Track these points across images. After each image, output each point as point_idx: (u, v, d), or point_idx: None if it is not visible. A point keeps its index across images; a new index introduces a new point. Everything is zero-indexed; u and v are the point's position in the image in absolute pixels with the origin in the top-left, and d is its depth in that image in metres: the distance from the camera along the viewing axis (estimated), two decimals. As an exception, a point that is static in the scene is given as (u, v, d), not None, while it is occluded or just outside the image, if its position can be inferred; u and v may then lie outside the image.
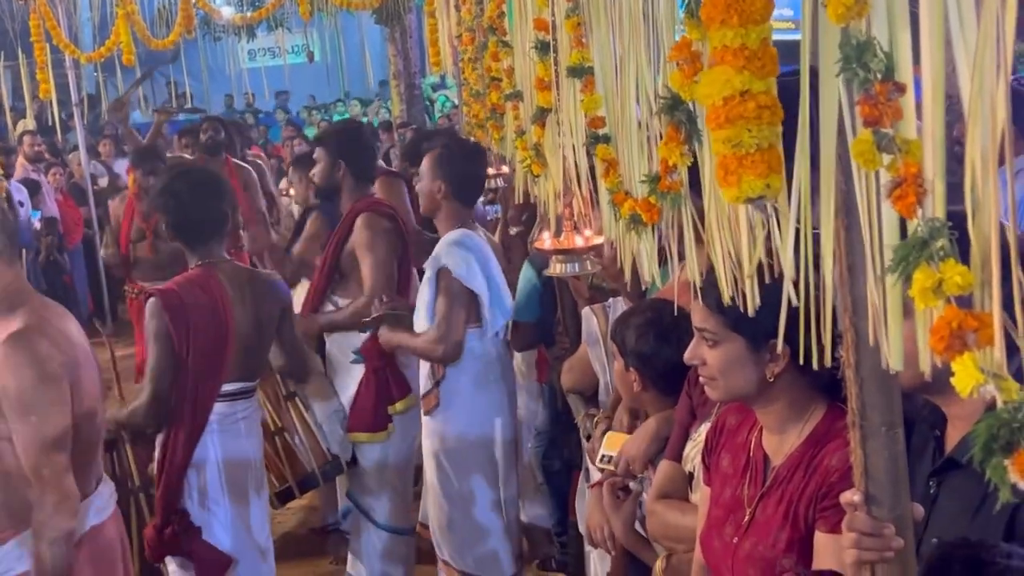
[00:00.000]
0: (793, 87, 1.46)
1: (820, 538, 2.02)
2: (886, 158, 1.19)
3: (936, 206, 1.14)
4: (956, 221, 1.16)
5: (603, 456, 3.15)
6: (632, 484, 2.99)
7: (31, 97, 11.61)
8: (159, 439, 3.89)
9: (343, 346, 4.81)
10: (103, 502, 3.17)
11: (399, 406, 4.75)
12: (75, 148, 12.11)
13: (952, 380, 1.09)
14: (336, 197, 5.00)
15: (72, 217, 10.87)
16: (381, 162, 6.62)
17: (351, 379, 4.79)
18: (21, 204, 9.24)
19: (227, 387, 3.89)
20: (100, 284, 10.99)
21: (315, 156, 5.05)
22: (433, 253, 4.33)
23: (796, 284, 1.54)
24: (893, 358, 1.27)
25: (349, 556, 5.01)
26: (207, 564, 3.88)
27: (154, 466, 3.98)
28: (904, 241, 1.16)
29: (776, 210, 1.55)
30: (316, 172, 4.99)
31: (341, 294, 4.83)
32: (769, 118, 1.43)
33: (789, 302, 1.58)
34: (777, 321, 2.05)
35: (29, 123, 12.97)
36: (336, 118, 18.45)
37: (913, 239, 1.14)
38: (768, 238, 1.66)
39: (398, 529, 4.93)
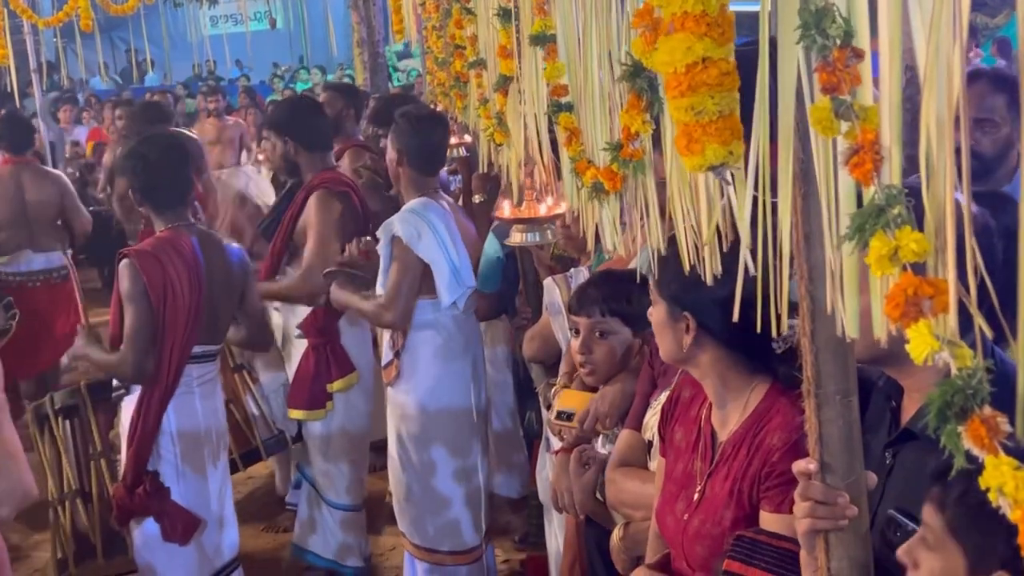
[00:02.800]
0: (747, 58, 1.45)
1: (765, 517, 2.03)
2: (843, 125, 1.19)
3: (893, 174, 1.14)
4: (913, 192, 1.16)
5: (559, 413, 3.15)
6: (600, 449, 3.00)
7: (-13, 63, 11.39)
8: (125, 402, 3.87)
9: (293, 321, 4.80)
10: None
11: (338, 384, 4.74)
12: (33, 115, 11.93)
13: (907, 347, 1.09)
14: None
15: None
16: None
17: (299, 352, 4.79)
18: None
19: (195, 349, 3.91)
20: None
21: (264, 138, 5.02)
22: (387, 221, 4.31)
23: (753, 253, 1.54)
24: (849, 325, 1.27)
25: (296, 526, 5.01)
26: (176, 524, 3.88)
27: (115, 431, 3.97)
28: (861, 208, 1.16)
29: (734, 178, 1.55)
30: (272, 156, 4.95)
31: (296, 267, 4.82)
32: (729, 84, 1.42)
33: (746, 271, 1.58)
34: (692, 296, 2.09)
35: (-15, 90, 12.77)
36: (300, 86, 18.30)
37: (869, 206, 1.14)
38: (728, 206, 1.66)
39: (344, 505, 4.94)
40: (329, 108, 5.79)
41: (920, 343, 1.07)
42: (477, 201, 5.58)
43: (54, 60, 17.83)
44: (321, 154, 4.88)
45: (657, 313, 2.22)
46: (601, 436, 3.04)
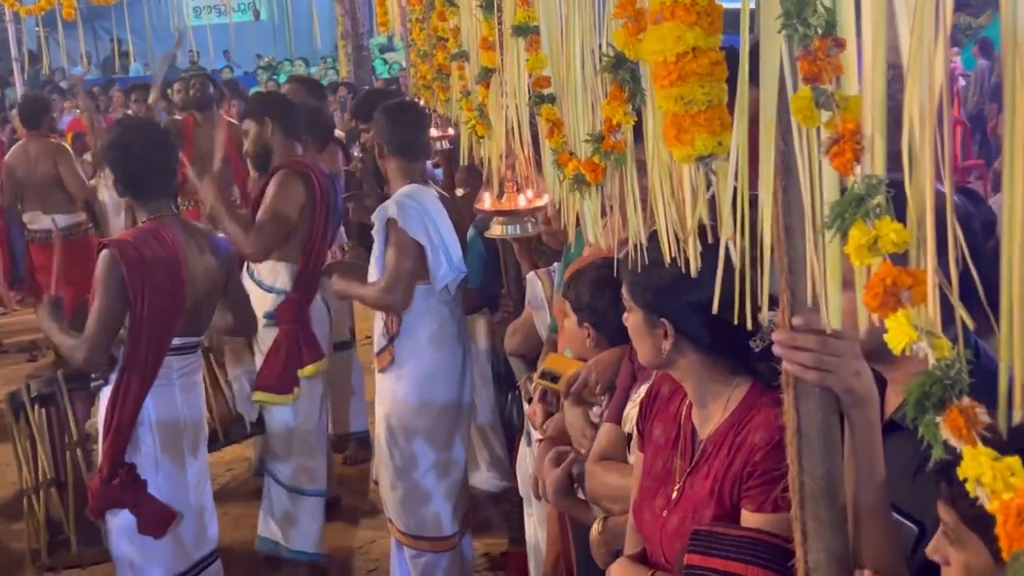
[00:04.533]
0: (732, 58, 1.45)
1: (746, 517, 2.02)
2: (824, 115, 1.19)
3: (876, 164, 1.13)
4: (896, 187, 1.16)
5: (544, 372, 3.14)
6: (594, 419, 2.98)
7: (-31, 52, 11.35)
8: (103, 392, 3.85)
9: (257, 306, 4.79)
10: None
11: (308, 369, 4.75)
12: (15, 105, 11.87)
13: (885, 337, 1.09)
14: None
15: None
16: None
17: (266, 340, 4.78)
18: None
19: (175, 341, 3.88)
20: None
21: (244, 128, 5.00)
22: (381, 205, 4.33)
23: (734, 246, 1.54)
24: (832, 316, 1.27)
25: (268, 523, 5.01)
26: (151, 517, 3.85)
27: (93, 421, 3.95)
28: (841, 198, 1.16)
29: (714, 172, 1.55)
30: (248, 142, 4.94)
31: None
32: (719, 75, 1.42)
33: (727, 264, 1.58)
34: (669, 302, 2.09)
35: (-33, 78, 12.71)
36: (283, 79, 18.23)
37: (850, 196, 1.14)
38: (712, 199, 1.66)
39: (302, 490, 4.92)
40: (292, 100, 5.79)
41: (899, 333, 1.07)
42: (460, 194, 5.57)
43: (36, 50, 17.72)
44: (294, 142, 4.89)
45: (633, 320, 2.20)
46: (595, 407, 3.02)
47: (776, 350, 1.52)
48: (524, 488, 4.12)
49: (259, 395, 4.77)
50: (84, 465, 4.11)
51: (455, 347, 4.44)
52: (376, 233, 4.30)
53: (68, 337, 3.81)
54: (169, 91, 8.41)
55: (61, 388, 4.18)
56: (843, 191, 1.22)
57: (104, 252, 3.77)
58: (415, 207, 4.23)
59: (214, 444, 4.65)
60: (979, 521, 1.40)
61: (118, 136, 3.98)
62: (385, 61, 18.98)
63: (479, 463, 5.45)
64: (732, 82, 1.41)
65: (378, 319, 4.51)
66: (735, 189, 1.48)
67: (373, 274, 4.38)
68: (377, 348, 4.50)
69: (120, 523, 3.89)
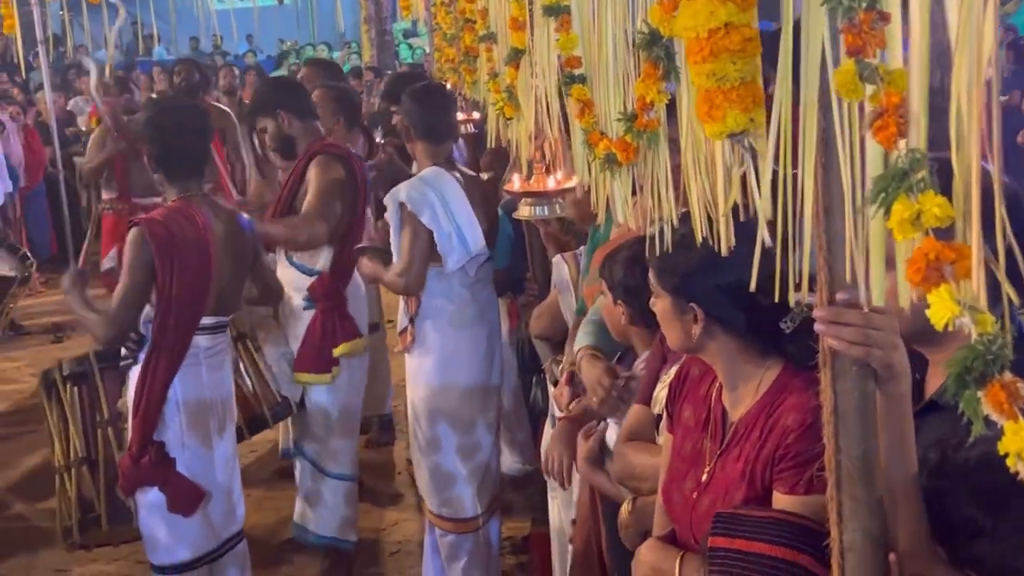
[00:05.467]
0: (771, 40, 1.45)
1: (778, 499, 2.02)
2: (868, 89, 1.18)
3: (920, 138, 1.12)
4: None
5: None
6: (609, 434, 2.99)
7: (-7, 34, 11.40)
8: (132, 371, 3.87)
9: (297, 290, 4.80)
10: None
11: (343, 348, 4.76)
12: (40, 86, 11.92)
13: (927, 312, 1.08)
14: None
15: (36, 157, 10.73)
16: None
17: (303, 324, 4.79)
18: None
19: (204, 320, 3.90)
20: (64, 227, 10.87)
21: (261, 127, 4.94)
22: (394, 188, 4.34)
23: (772, 225, 1.53)
24: (875, 293, 1.26)
25: (297, 505, 5.03)
26: (180, 496, 3.87)
27: (123, 400, 3.97)
28: (884, 172, 1.15)
29: (754, 149, 1.54)
30: (268, 139, 4.90)
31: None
32: (752, 51, 1.41)
33: (763, 247, 1.57)
34: (698, 286, 2.09)
35: (-8, 61, 12.76)
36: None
37: (893, 170, 1.13)
38: (744, 178, 1.65)
39: (347, 475, 4.95)
40: (308, 84, 5.78)
41: (941, 308, 1.06)
42: (485, 178, 5.56)
43: (60, 33, 17.78)
44: (312, 122, 4.87)
45: (661, 305, 2.20)
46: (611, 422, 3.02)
47: (818, 327, 1.51)
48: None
49: (300, 376, 4.79)
50: (115, 444, 4.12)
51: (477, 328, 4.43)
52: (389, 217, 4.31)
53: (90, 312, 3.82)
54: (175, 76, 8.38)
55: (93, 367, 4.19)
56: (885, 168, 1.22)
57: (134, 230, 3.78)
58: (426, 191, 4.23)
59: (263, 426, 4.67)
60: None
61: (154, 114, 4.01)
62: (410, 46, 18.96)
63: (502, 447, 5.46)
64: (770, 61, 1.40)
65: (401, 300, 4.53)
66: (774, 168, 1.47)
67: (395, 256, 4.40)
68: (399, 329, 4.52)
69: (150, 501, 3.91)
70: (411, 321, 4.40)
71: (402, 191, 4.24)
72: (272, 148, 4.89)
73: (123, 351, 3.99)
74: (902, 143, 1.15)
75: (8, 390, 7.70)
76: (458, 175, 4.39)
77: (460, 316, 4.38)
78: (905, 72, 1.15)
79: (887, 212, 1.13)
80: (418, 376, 4.45)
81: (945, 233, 1.12)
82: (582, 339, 3.22)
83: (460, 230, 4.26)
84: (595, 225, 3.35)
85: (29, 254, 7.05)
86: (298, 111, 4.82)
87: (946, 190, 1.15)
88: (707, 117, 1.45)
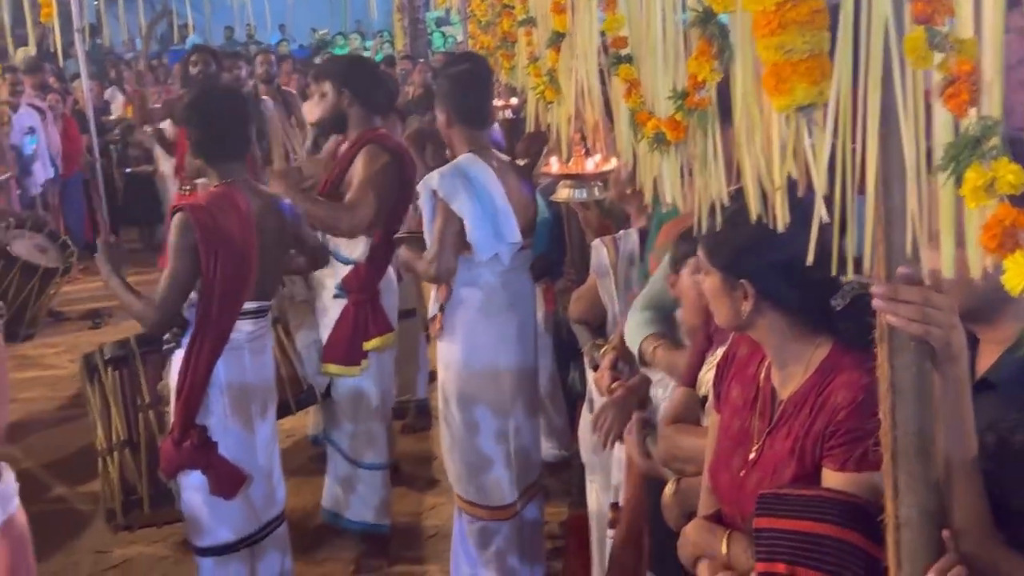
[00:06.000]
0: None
1: (828, 476, 2.02)
2: (937, 57, 1.17)
3: (993, 105, 1.11)
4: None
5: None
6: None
7: (32, 23, 11.46)
8: (175, 355, 3.90)
9: (329, 281, 4.82)
10: (13, 487, 2.83)
11: (375, 342, 4.77)
12: (77, 76, 12.00)
13: (1002, 279, 1.07)
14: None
15: (73, 146, 10.81)
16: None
17: (334, 313, 4.81)
18: (32, 131, 9.18)
19: (246, 305, 3.92)
20: (100, 214, 10.94)
21: (321, 91, 4.92)
22: (427, 175, 4.30)
23: (829, 200, 1.52)
24: (945, 264, 1.26)
25: (326, 493, 5.06)
26: (222, 479, 3.90)
27: (164, 384, 4.00)
28: (955, 140, 1.14)
29: (815, 122, 1.53)
30: (322, 106, 4.90)
31: None
32: (820, 23, 1.41)
33: (811, 220, 1.56)
34: (748, 263, 2.08)
35: (31, 49, 12.83)
36: (337, 52, 18.28)
37: (965, 138, 1.12)
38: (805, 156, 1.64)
39: (381, 464, 4.96)
40: None
41: (1016, 274, 1.06)
42: (521, 164, 5.55)
43: (95, 23, 17.88)
44: (372, 115, 4.84)
45: (711, 282, 2.20)
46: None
47: (876, 303, 1.51)
48: (587, 455, 4.12)
49: (328, 367, 4.80)
50: (157, 427, 4.16)
51: (507, 316, 4.37)
52: (423, 202, 4.27)
53: (135, 297, 3.84)
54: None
55: (134, 351, 4.23)
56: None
57: (178, 215, 3.81)
58: (459, 179, 4.17)
59: (286, 412, 4.69)
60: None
61: (196, 99, 4.03)
62: (443, 34, 18.96)
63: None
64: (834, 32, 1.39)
65: (433, 287, 4.52)
66: (832, 142, 1.47)
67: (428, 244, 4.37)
68: (429, 315, 4.52)
69: (192, 484, 3.94)
70: (441, 308, 4.39)
71: (435, 178, 4.19)
72: (320, 115, 4.89)
73: (166, 335, 4.01)
74: (972, 111, 1.14)
75: (47, 375, 7.77)
76: (494, 162, 4.33)
77: (489, 304, 4.33)
78: (975, 40, 1.14)
79: (959, 180, 1.12)
80: (448, 363, 4.42)
81: (1016, 203, 1.12)
82: (643, 328, 3.19)
83: (494, 218, 4.21)
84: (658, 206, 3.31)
85: (70, 242, 7.10)
86: (364, 100, 4.78)
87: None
88: (775, 90, 1.44)
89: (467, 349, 4.35)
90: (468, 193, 4.15)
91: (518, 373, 4.43)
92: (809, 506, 1.88)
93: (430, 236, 4.25)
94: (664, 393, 3.05)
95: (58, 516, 5.43)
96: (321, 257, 4.52)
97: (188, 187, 7.42)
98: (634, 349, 3.25)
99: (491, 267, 4.29)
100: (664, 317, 3.19)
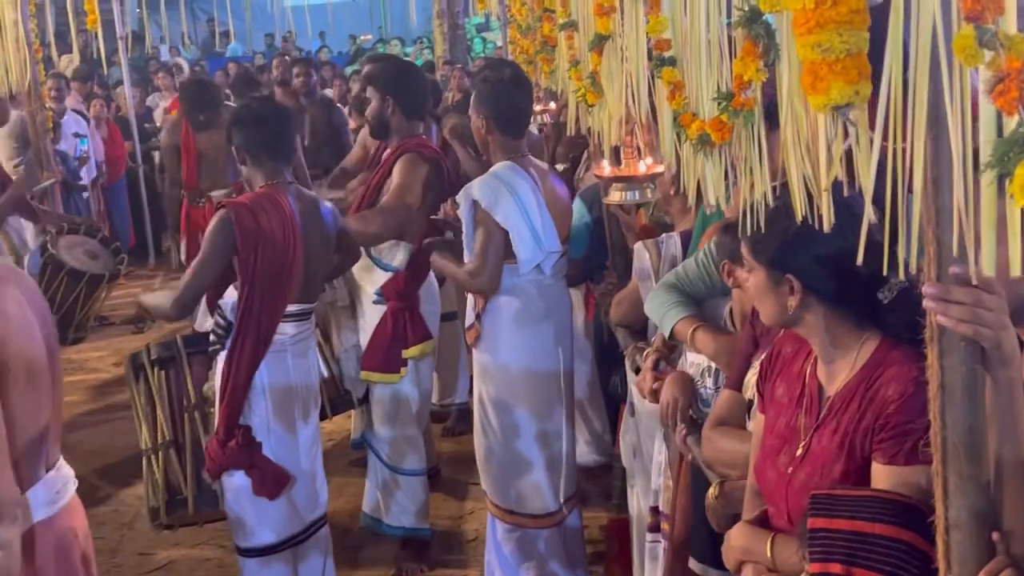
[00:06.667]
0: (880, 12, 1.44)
1: (877, 469, 2.01)
2: (987, 55, 1.17)
3: (1043, 104, 1.11)
4: None
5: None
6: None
7: (76, 31, 11.61)
8: (220, 356, 3.94)
9: (368, 286, 4.84)
10: (52, 493, 2.76)
11: (414, 350, 4.77)
12: (119, 82, 12.15)
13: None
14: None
15: (117, 151, 10.93)
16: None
17: (373, 318, 4.82)
18: (77, 135, 9.29)
19: (290, 308, 3.96)
20: (143, 219, 11.08)
21: (367, 94, 5.00)
22: (467, 185, 4.28)
23: (877, 201, 1.52)
24: (986, 262, 1.25)
25: (366, 497, 5.08)
26: (266, 479, 3.93)
27: (209, 385, 4.03)
28: (1003, 137, 1.14)
29: (852, 122, 1.53)
30: (369, 111, 4.94)
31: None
32: (859, 23, 1.41)
33: (858, 216, 1.56)
34: (794, 257, 2.08)
35: (75, 56, 13.00)
36: (378, 56, 18.34)
37: (1014, 135, 1.12)
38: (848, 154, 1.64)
39: (419, 470, 4.97)
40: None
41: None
42: (560, 169, 5.56)
43: (137, 30, 18.10)
44: (413, 121, 4.85)
45: (756, 279, 2.20)
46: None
47: (927, 303, 1.51)
48: (628, 459, 4.12)
49: (366, 374, 4.82)
50: (201, 427, 4.20)
51: (543, 325, 4.34)
52: (462, 213, 4.25)
53: (161, 296, 3.92)
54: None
55: (180, 351, 4.27)
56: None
57: (220, 212, 3.87)
58: (500, 188, 4.14)
59: (322, 417, 4.70)
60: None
61: (240, 106, 4.09)
62: (483, 40, 19.03)
63: (577, 437, 5.44)
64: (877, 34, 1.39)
65: (469, 295, 4.50)
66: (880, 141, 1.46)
67: (467, 254, 4.34)
68: (467, 324, 4.50)
69: (235, 484, 3.98)
70: (477, 317, 4.38)
71: (475, 188, 4.17)
72: (369, 120, 4.92)
73: (211, 336, 4.05)
74: (1021, 109, 1.13)
75: (91, 379, 7.87)
76: (532, 169, 4.30)
77: (526, 314, 4.30)
78: (1024, 37, 1.14)
79: (1007, 178, 1.12)
80: (485, 371, 4.40)
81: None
82: (676, 308, 3.17)
83: (534, 228, 4.19)
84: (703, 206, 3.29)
85: (121, 249, 7.19)
86: (405, 107, 4.79)
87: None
88: (811, 89, 1.45)
89: (504, 357, 4.33)
90: (510, 204, 4.13)
91: (555, 380, 4.40)
92: (864, 506, 1.87)
93: (470, 246, 4.24)
94: (709, 385, 3.05)
95: (102, 517, 5.49)
96: (355, 254, 4.54)
97: (202, 200, 7.53)
98: (662, 326, 3.25)
99: (532, 276, 4.27)
100: (694, 303, 3.18)
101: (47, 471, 2.77)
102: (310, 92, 8.68)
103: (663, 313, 3.20)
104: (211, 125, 7.31)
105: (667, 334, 3.24)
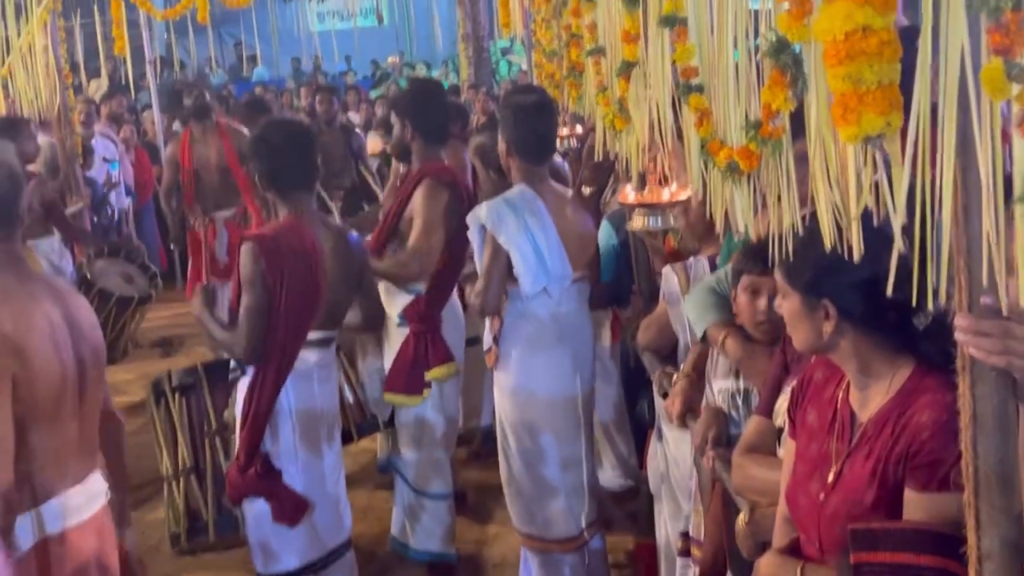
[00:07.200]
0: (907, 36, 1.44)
1: (910, 496, 2.01)
2: (1015, 88, 1.17)
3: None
4: None
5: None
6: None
7: (105, 56, 11.75)
8: (241, 383, 3.95)
9: (392, 309, 4.86)
10: (74, 506, 2.79)
11: (436, 372, 4.79)
12: (147, 107, 12.25)
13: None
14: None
15: (145, 175, 11.02)
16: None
17: (397, 341, 4.85)
18: (107, 160, 9.37)
19: (313, 335, 3.95)
20: (171, 243, 11.12)
21: (392, 119, 5.06)
22: (475, 208, 4.32)
23: (907, 230, 1.52)
24: (1021, 293, 1.25)
25: (394, 520, 5.08)
26: (286, 507, 3.93)
27: (230, 411, 4.04)
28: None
29: (884, 154, 1.53)
30: (393, 136, 5.02)
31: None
32: (890, 55, 1.41)
33: (891, 242, 1.57)
34: (830, 283, 2.08)
35: (103, 82, 13.15)
36: (402, 83, 18.47)
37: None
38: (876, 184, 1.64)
39: (426, 492, 4.97)
40: None
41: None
42: (587, 193, 5.56)
43: (165, 55, 18.27)
44: (433, 146, 4.89)
45: (790, 305, 2.20)
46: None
47: (958, 335, 1.51)
48: (655, 484, 4.11)
49: (390, 396, 4.84)
50: (222, 453, 4.22)
51: (559, 350, 4.34)
52: (472, 235, 4.29)
53: (223, 331, 3.91)
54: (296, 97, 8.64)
55: (201, 378, 4.29)
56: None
57: (245, 246, 3.86)
58: (506, 211, 4.17)
59: (347, 440, 4.72)
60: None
61: (263, 131, 4.08)
62: (509, 63, 19.12)
63: (603, 461, 5.44)
64: (914, 58, 1.40)
65: (487, 319, 4.52)
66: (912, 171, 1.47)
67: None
68: (485, 347, 4.53)
69: (257, 510, 3.98)
70: (495, 339, 4.40)
71: (483, 211, 4.20)
72: (392, 144, 4.97)
73: (232, 363, 4.06)
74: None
75: (117, 402, 7.85)
76: (549, 195, 4.30)
77: (539, 338, 4.31)
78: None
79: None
80: (503, 394, 4.42)
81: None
82: (711, 310, 3.20)
83: (541, 252, 4.19)
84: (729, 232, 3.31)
85: (157, 274, 7.27)
86: (424, 133, 4.83)
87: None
88: (842, 120, 1.45)
89: (520, 381, 4.35)
90: (515, 226, 4.15)
91: (572, 405, 4.39)
92: (905, 539, 1.89)
93: (480, 268, 4.28)
94: (740, 407, 3.06)
95: (127, 541, 5.49)
96: (379, 319, 4.52)
97: (206, 222, 7.58)
98: (696, 326, 3.29)
99: (540, 300, 4.28)
100: (729, 308, 3.20)
101: (72, 485, 2.79)
102: (331, 120, 8.77)
103: (699, 313, 3.24)
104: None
105: (700, 335, 3.28)
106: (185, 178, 7.72)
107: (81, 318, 2.83)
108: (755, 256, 3.01)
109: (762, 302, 3.00)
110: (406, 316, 4.78)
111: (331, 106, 8.98)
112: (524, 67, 13.41)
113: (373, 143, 9.17)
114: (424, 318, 4.76)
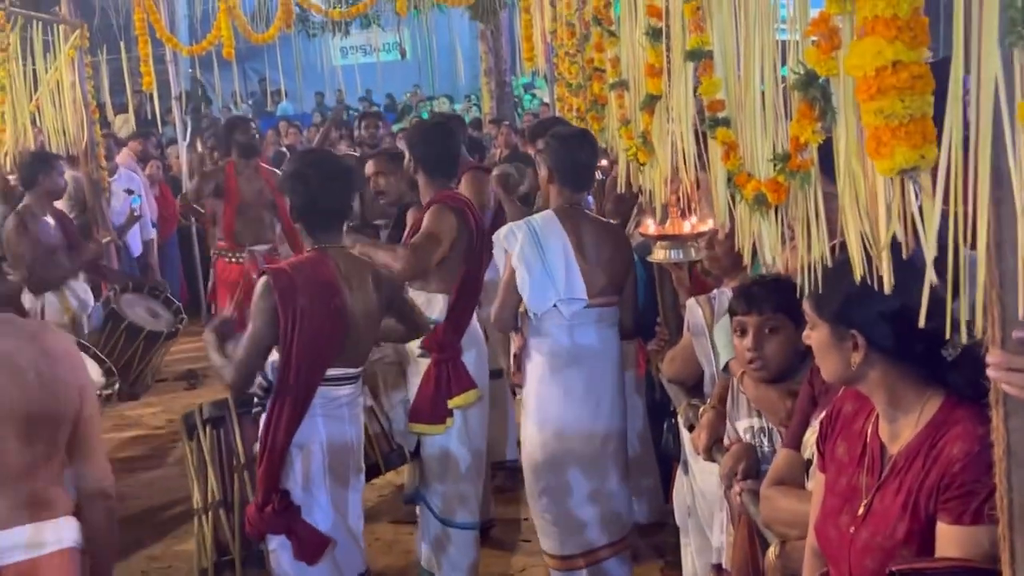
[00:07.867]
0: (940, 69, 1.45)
1: (943, 529, 1.99)
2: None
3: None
4: None
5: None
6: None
7: (131, 91, 11.85)
8: (263, 417, 3.94)
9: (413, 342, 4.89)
10: (20, 544, 2.84)
11: (459, 400, 4.80)
12: (173, 142, 12.35)
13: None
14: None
15: (168, 209, 11.09)
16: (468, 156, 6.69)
17: (420, 371, 4.87)
18: (130, 192, 9.43)
19: (334, 372, 3.92)
20: (196, 276, 11.20)
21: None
22: (498, 231, 4.50)
23: (939, 262, 1.52)
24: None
25: (422, 551, 5.08)
26: (306, 544, 3.90)
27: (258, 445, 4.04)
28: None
29: (919, 186, 1.54)
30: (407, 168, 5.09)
31: (420, 287, 4.89)
32: (922, 88, 1.42)
33: (922, 273, 1.57)
34: (859, 313, 2.07)
35: (130, 117, 13.26)
36: (424, 116, 18.59)
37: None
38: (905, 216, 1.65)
39: (453, 522, 4.96)
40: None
41: None
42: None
43: (191, 90, 18.44)
44: (440, 179, 4.95)
45: (818, 336, 2.18)
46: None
47: (990, 372, 1.50)
48: (681, 517, 4.09)
49: (414, 426, 4.85)
50: (250, 487, 4.20)
51: (573, 372, 4.43)
52: (496, 255, 4.47)
53: (221, 357, 3.91)
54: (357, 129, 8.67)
55: (231, 411, 4.29)
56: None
57: (262, 278, 3.86)
58: (522, 231, 4.36)
59: (375, 472, 4.71)
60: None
61: (297, 165, 4.08)
62: (532, 96, 19.24)
63: (629, 493, 5.41)
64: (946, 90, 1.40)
65: (512, 341, 4.63)
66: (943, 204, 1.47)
67: None
68: (513, 368, 4.63)
69: (280, 545, 3.94)
70: (515, 357, 4.56)
71: (503, 231, 4.40)
72: (405, 178, 5.07)
73: (255, 398, 4.06)
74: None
75: (144, 435, 7.92)
76: (575, 220, 4.45)
77: (554, 358, 4.45)
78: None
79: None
80: (524, 415, 4.56)
81: None
82: (731, 348, 3.22)
83: (550, 271, 4.32)
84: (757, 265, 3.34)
85: (182, 310, 7.33)
86: (427, 166, 4.91)
87: None
88: (876, 154, 1.46)
89: (536, 399, 4.49)
90: (525, 245, 4.33)
91: (586, 426, 4.49)
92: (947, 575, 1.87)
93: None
94: (766, 445, 3.05)
95: (153, 575, 5.51)
96: (420, 325, 4.52)
97: (240, 255, 7.60)
98: (723, 353, 3.36)
99: (553, 320, 4.42)
100: None
101: (28, 521, 2.83)
102: (376, 145, 8.83)
103: (723, 344, 3.27)
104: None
105: (721, 367, 3.33)
106: (228, 211, 7.74)
107: (64, 357, 2.89)
108: (740, 296, 3.04)
109: (747, 340, 3.02)
110: (426, 346, 4.80)
111: (376, 131, 9.09)
112: (547, 100, 13.48)
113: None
114: (444, 346, 4.78)
